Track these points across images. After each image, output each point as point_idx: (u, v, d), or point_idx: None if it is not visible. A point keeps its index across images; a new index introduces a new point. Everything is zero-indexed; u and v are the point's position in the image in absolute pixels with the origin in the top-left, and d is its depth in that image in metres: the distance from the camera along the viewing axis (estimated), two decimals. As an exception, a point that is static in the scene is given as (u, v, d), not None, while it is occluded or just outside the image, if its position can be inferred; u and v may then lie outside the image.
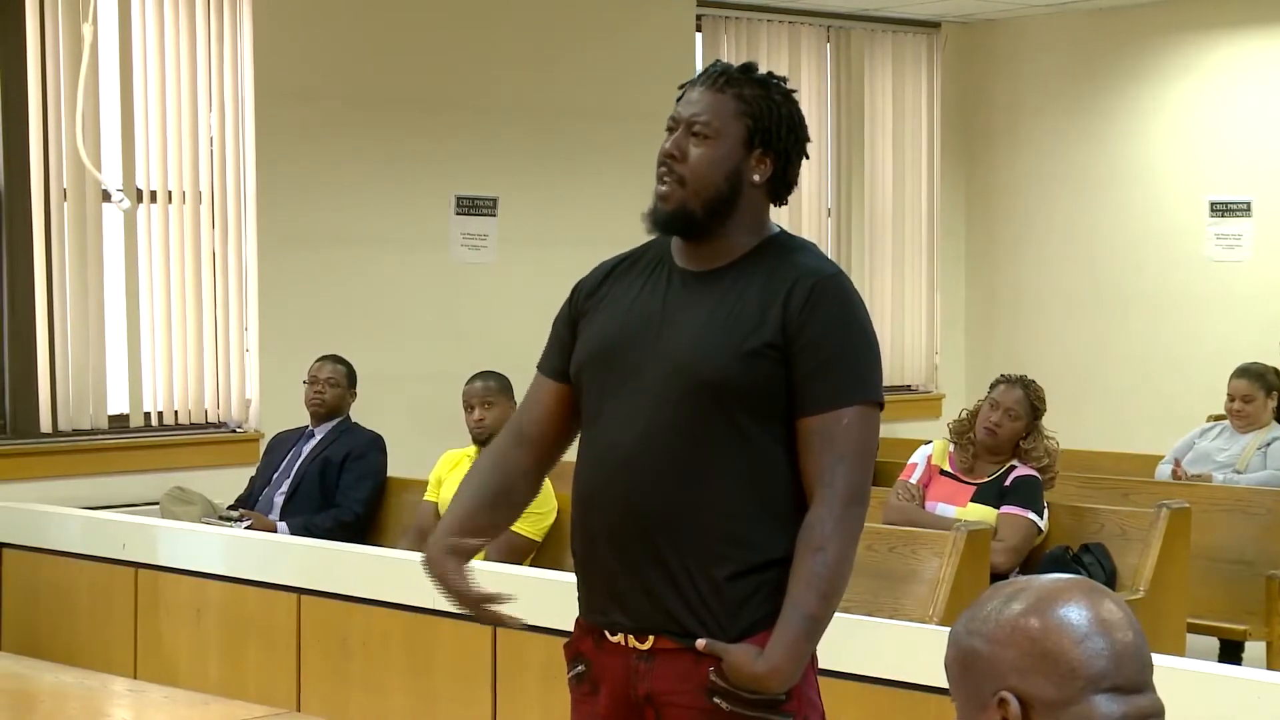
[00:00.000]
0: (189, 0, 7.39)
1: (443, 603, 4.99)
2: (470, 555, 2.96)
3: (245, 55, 7.55)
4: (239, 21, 7.53)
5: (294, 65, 7.69)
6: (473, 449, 6.22)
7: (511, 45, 8.31)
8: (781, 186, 2.89)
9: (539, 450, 3.01)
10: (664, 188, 2.85)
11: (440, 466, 6.37)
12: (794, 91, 2.91)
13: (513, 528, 5.67)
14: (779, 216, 2.93)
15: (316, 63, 7.78)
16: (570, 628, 2.94)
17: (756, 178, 2.86)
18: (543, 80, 8.43)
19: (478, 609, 2.92)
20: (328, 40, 7.81)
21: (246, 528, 6.31)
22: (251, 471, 6.91)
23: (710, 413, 2.76)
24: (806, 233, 9.20)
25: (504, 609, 2.91)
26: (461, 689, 5.01)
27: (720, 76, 2.86)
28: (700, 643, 2.74)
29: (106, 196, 7.09)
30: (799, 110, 2.90)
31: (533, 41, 8.40)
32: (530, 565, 5.80)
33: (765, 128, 2.84)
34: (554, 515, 5.94)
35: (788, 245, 2.89)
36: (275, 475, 6.67)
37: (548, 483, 5.87)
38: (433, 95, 8.11)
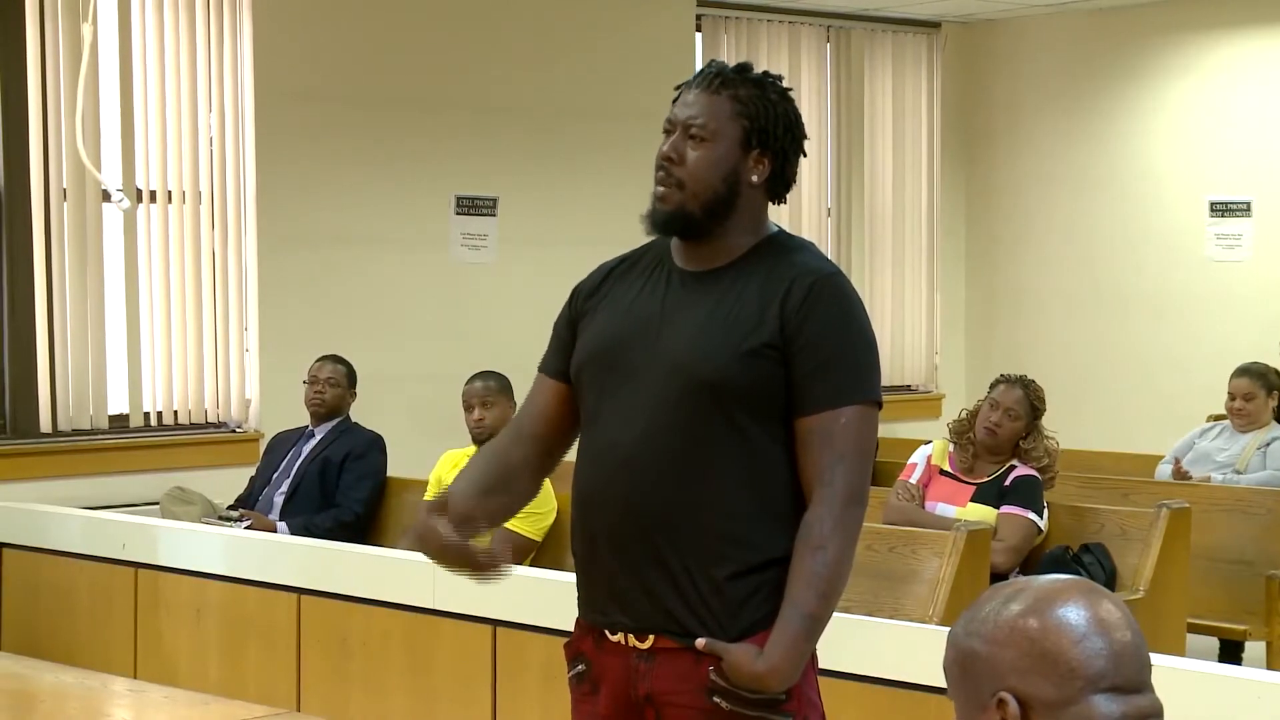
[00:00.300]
0: (189, 0, 7.39)
1: (443, 603, 5.04)
2: (464, 525, 2.88)
3: (245, 55, 7.54)
4: (239, 22, 7.53)
5: (294, 65, 7.69)
6: (473, 449, 6.22)
7: (511, 45, 8.31)
8: (780, 185, 2.89)
9: (539, 448, 3.00)
10: (662, 189, 2.85)
11: (440, 467, 6.37)
12: (790, 90, 2.91)
13: (513, 528, 5.72)
14: (779, 216, 2.93)
15: (316, 63, 7.77)
16: (570, 628, 2.94)
17: (754, 178, 2.86)
18: (543, 80, 8.43)
19: (465, 559, 2.85)
20: (328, 40, 7.80)
21: (246, 528, 6.31)
22: (251, 471, 6.91)
23: (710, 413, 2.76)
24: (806, 233, 9.20)
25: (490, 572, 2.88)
26: (461, 689, 5.01)
27: (715, 77, 2.85)
28: (700, 642, 2.74)
29: (106, 196, 7.08)
30: (795, 109, 2.89)
31: (533, 41, 8.40)
32: (530, 565, 5.80)
33: (762, 128, 2.84)
34: (554, 515, 5.95)
35: (786, 245, 2.89)
36: (275, 475, 6.67)
37: (547, 483, 5.88)
38: (433, 95, 8.10)
